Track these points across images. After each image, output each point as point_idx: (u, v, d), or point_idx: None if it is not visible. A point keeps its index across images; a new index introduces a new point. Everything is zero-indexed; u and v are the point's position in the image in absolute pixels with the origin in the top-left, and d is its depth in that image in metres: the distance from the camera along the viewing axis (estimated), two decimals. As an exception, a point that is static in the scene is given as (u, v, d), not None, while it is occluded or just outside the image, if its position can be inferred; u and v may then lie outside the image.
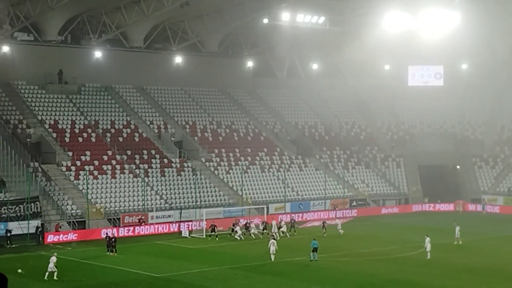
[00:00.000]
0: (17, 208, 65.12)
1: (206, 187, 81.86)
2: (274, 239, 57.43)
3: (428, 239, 56.40)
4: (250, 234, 67.05)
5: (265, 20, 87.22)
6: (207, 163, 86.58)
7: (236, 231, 66.59)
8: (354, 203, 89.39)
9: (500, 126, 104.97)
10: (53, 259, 48.64)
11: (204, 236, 66.85)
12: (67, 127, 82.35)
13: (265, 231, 69.00)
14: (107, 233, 62.72)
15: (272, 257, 54.65)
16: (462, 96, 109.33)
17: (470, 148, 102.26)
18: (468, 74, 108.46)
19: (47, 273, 47.83)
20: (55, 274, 47.94)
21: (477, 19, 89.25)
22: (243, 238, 65.77)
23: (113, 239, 58.58)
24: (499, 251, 60.85)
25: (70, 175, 75.45)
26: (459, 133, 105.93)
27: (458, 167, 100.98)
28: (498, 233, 71.91)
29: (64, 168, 75.98)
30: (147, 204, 74.87)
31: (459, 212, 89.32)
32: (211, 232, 66.85)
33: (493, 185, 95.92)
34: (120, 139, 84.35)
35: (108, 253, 57.17)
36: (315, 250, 54.52)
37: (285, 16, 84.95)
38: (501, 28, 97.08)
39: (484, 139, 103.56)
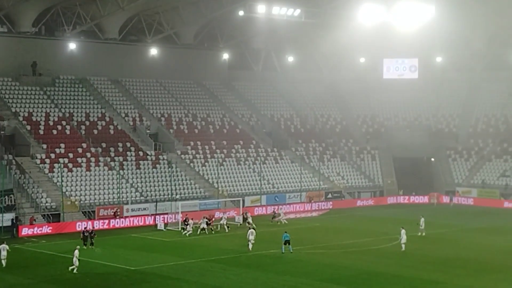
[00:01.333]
0: (-9, 201, 64.58)
1: (182, 180, 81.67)
2: (253, 228, 58.08)
3: (403, 231, 56.75)
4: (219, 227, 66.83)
5: (241, 12, 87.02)
6: (182, 156, 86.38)
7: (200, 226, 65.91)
8: (330, 196, 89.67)
9: (475, 119, 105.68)
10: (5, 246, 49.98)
11: (180, 229, 66.58)
12: (41, 120, 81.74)
13: (241, 224, 69.23)
14: (85, 228, 62.10)
15: (250, 245, 55.49)
16: (437, 89, 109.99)
17: (445, 141, 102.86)
18: (442, 67, 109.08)
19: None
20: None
21: (452, 12, 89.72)
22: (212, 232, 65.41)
23: (92, 233, 58.14)
24: (473, 242, 61.34)
25: (45, 167, 74.94)
26: (433, 125, 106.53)
27: (432, 159, 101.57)
28: (471, 225, 72.46)
29: (38, 161, 75.46)
30: (122, 197, 74.58)
31: (434, 204, 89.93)
32: (207, 225, 66.42)
33: (467, 178, 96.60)
34: (95, 131, 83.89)
35: (84, 247, 56.74)
36: (287, 242, 54.64)
37: (260, 9, 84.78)
38: (476, 21, 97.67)
39: (458, 131, 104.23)
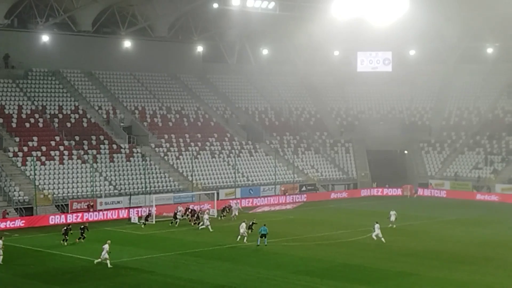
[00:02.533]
0: (-38, 194, 63.96)
1: (156, 173, 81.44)
2: (243, 221, 58.19)
3: (377, 225, 57.14)
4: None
5: (215, 5, 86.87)
6: (156, 149, 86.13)
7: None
8: (304, 188, 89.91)
9: (448, 112, 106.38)
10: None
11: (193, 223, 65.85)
12: (13, 112, 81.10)
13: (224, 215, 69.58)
14: (69, 225, 58.94)
15: (245, 238, 56.03)
16: (410, 82, 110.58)
17: (418, 134, 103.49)
18: (416, 60, 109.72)
19: None
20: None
21: (426, 5, 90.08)
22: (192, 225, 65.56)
23: (83, 228, 57.26)
24: (446, 234, 61.75)
25: (17, 161, 74.40)
26: (407, 118, 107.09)
27: (406, 152, 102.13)
28: (445, 217, 72.97)
29: (11, 154, 74.89)
30: (96, 190, 74.23)
31: (407, 197, 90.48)
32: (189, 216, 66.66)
33: (440, 170, 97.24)
34: (68, 124, 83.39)
35: (64, 242, 55.52)
36: (263, 236, 54.64)
37: (235, 1, 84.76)
38: (449, 14, 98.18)
39: (431, 124, 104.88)
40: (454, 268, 47.88)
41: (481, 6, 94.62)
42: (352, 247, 55.42)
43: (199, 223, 64.83)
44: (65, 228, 56.74)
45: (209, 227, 62.75)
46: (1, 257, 47.98)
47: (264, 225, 55.95)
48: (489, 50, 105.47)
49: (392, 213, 64.84)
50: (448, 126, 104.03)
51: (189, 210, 68.00)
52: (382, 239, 56.38)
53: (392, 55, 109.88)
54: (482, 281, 44.39)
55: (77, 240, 56.71)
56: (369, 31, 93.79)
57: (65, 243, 55.48)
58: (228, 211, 71.13)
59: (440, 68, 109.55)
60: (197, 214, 66.63)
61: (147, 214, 67.40)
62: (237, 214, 70.42)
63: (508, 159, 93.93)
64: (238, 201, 76.95)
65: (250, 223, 59.42)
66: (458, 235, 61.61)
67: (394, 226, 63.93)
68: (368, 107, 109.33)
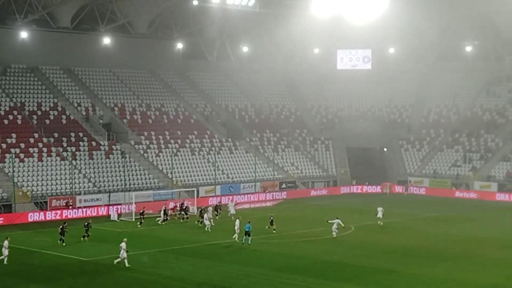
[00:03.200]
0: None
1: (136, 170, 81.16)
2: (238, 218, 57.99)
3: (380, 209, 63.67)
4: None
5: (195, 2, 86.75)
6: (136, 146, 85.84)
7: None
8: (284, 186, 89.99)
9: (427, 110, 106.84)
10: None
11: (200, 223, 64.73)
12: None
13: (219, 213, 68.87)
14: (64, 223, 55.95)
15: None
16: (390, 80, 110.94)
17: (397, 131, 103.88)
18: (395, 58, 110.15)
19: None
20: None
21: (405, 3, 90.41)
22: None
23: (88, 225, 56.33)
24: (425, 232, 62.08)
25: (-5, 158, 73.89)
26: (386, 116, 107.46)
27: (385, 149, 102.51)
28: (424, 214, 73.35)
29: (-11, 151, 74.35)
30: (75, 188, 73.85)
31: (386, 194, 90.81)
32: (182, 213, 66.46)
33: (419, 167, 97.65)
34: (47, 121, 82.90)
35: (62, 242, 53.65)
36: (247, 233, 54.46)
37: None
38: (429, 12, 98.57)
39: (411, 122, 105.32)
40: (433, 265, 48.11)
41: (460, 5, 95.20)
42: (332, 244, 55.55)
43: (186, 218, 65.07)
44: (61, 226, 54.24)
45: (209, 227, 61.35)
46: (6, 257, 47.44)
47: (249, 222, 55.77)
48: (468, 48, 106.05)
49: (380, 209, 64.98)
50: (427, 124, 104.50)
51: (183, 205, 67.77)
52: (381, 223, 60.73)
53: (371, 53, 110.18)
54: (461, 277, 44.67)
55: (82, 238, 55.75)
56: (348, 29, 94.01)
57: (63, 243, 53.46)
58: (220, 209, 69.44)
59: (419, 66, 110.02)
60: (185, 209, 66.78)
61: (141, 211, 65.90)
62: (234, 212, 68.16)
63: (486, 157, 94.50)
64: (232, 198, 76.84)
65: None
66: (437, 232, 61.92)
67: (381, 223, 64.11)
68: (348, 105, 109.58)
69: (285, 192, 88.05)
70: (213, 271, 45.74)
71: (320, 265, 48.11)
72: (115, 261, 47.23)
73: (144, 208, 67.13)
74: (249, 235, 54.42)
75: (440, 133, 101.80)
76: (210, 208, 65.42)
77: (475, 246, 55.52)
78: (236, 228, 56.05)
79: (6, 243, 47.62)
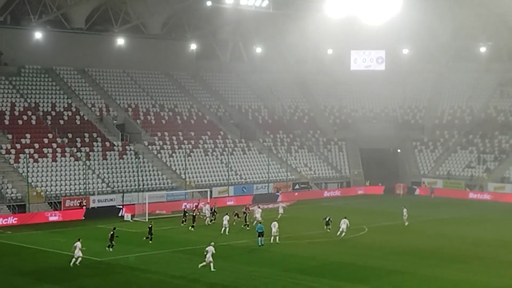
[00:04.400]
0: (-45, 192, 63.60)
1: (149, 171, 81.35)
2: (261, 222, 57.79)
3: (405, 210, 65.10)
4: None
5: (209, 3, 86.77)
6: (150, 147, 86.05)
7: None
8: (297, 186, 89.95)
9: (440, 111, 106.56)
10: None
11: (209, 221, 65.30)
12: (6, 110, 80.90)
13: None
14: (114, 228, 53.94)
15: (274, 238, 55.08)
16: (403, 81, 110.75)
17: (411, 132, 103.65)
18: (409, 59, 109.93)
19: None
20: None
21: (419, 4, 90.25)
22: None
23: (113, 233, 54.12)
24: (438, 233, 61.90)
25: (10, 158, 74.23)
26: (400, 117, 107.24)
27: (399, 150, 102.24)
28: (437, 216, 73.14)
29: (3, 151, 74.70)
30: (89, 188, 74.10)
31: (400, 195, 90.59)
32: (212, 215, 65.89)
33: (433, 169, 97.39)
34: (61, 122, 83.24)
35: (108, 248, 51.95)
36: (260, 234, 54.46)
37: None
38: (442, 13, 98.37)
39: (424, 123, 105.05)
40: (446, 266, 47.99)
41: (474, 5, 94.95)
42: (344, 245, 55.50)
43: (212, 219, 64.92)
44: (111, 232, 52.62)
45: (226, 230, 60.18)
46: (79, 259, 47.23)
47: (260, 223, 55.78)
48: (482, 49, 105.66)
49: (405, 210, 65.97)
50: (441, 125, 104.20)
51: (234, 213, 64.19)
52: (407, 223, 63.83)
53: (385, 54, 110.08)
54: (474, 279, 44.52)
55: (144, 238, 55.36)
56: (362, 30, 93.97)
57: (111, 249, 51.87)
58: (216, 213, 66.41)
59: (433, 67, 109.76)
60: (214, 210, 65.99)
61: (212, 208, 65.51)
62: (260, 218, 62.52)
63: (500, 158, 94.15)
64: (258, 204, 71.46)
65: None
66: (450, 233, 61.74)
67: (407, 223, 65.02)
68: (361, 106, 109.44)
69: (298, 193, 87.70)
70: (226, 272, 45.77)
71: (332, 266, 48.09)
72: (199, 265, 46.07)
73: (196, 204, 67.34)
74: (262, 236, 54.44)
75: (454, 134, 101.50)
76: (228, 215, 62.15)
77: (488, 248, 55.32)
78: (273, 230, 55.32)
79: (78, 244, 47.27)
